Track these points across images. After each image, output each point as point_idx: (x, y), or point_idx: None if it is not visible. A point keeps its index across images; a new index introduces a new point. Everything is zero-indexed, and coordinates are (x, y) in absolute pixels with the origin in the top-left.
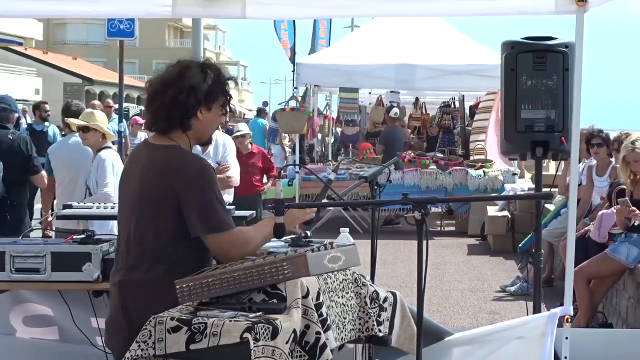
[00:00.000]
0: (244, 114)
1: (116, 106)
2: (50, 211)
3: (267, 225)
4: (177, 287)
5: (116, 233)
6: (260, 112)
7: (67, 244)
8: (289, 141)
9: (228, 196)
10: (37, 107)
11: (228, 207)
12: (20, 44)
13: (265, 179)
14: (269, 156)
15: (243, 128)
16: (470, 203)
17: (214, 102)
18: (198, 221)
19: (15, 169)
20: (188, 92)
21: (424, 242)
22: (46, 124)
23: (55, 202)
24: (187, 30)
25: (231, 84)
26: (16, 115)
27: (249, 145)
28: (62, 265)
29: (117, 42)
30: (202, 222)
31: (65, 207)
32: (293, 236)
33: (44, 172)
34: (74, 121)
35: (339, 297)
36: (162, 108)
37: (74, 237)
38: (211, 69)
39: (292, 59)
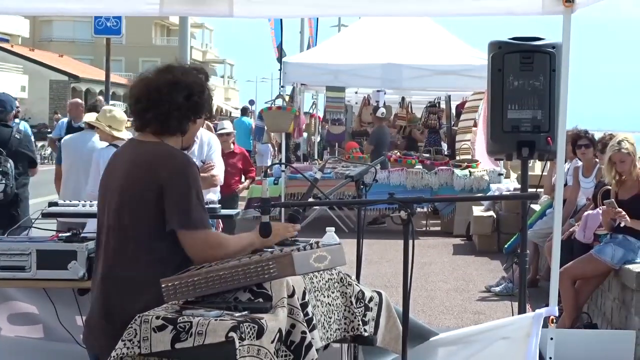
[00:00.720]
0: (230, 112)
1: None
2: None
3: (247, 237)
4: (163, 285)
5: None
6: (245, 111)
7: (52, 242)
8: (272, 139)
9: (213, 195)
10: None
11: (215, 205)
12: (7, 40)
13: (243, 179)
14: (249, 157)
15: (227, 126)
16: (455, 203)
17: (208, 107)
18: (174, 215)
19: (23, 166)
20: (199, 94)
21: (410, 241)
22: (16, 120)
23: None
24: (174, 28)
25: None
26: (13, 112)
27: (232, 145)
28: (47, 263)
29: (103, 39)
30: (178, 217)
31: (51, 204)
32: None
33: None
34: (86, 116)
35: (324, 297)
36: (176, 109)
37: (60, 235)
38: (204, 73)
39: (279, 58)
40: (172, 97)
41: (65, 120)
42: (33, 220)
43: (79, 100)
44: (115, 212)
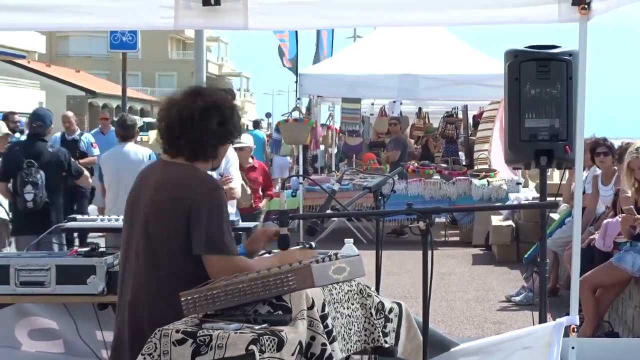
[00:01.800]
0: (247, 126)
1: (115, 118)
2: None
3: (268, 260)
4: (182, 299)
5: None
6: (258, 124)
7: (71, 257)
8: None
9: (231, 208)
10: (6, 117)
11: (233, 219)
12: (23, 57)
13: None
14: (269, 172)
15: (245, 140)
16: (474, 213)
17: (240, 128)
18: (202, 240)
19: (56, 177)
20: (231, 118)
21: (429, 252)
22: (17, 134)
23: (106, 208)
24: (189, 42)
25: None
26: (51, 127)
27: (250, 159)
28: (66, 278)
29: (120, 54)
30: (206, 242)
31: (69, 219)
32: (298, 247)
33: (87, 173)
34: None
35: (344, 308)
36: (210, 136)
37: (78, 249)
38: (231, 93)
39: (295, 70)
40: (206, 124)
41: (57, 135)
42: (60, 229)
43: (70, 113)
44: (142, 234)
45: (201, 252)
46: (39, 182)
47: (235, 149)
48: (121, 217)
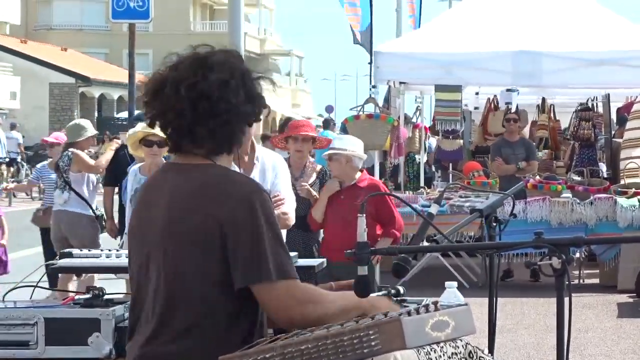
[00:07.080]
0: None
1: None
2: None
3: (352, 297)
4: None
5: None
6: (328, 124)
7: (66, 308)
8: None
9: None
10: None
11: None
12: None
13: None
14: (389, 191)
15: (344, 143)
16: (619, 246)
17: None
18: (243, 266)
19: None
20: (255, 87)
21: (566, 300)
22: None
23: None
24: (220, 8)
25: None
26: None
27: (358, 173)
28: (60, 336)
29: (124, 26)
30: (248, 268)
31: (62, 255)
32: (380, 293)
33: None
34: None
35: None
36: (238, 117)
37: (76, 297)
38: (239, 53)
39: (368, 46)
40: (230, 102)
41: None
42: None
43: None
44: (156, 264)
45: (246, 284)
46: None
47: (330, 157)
48: None
